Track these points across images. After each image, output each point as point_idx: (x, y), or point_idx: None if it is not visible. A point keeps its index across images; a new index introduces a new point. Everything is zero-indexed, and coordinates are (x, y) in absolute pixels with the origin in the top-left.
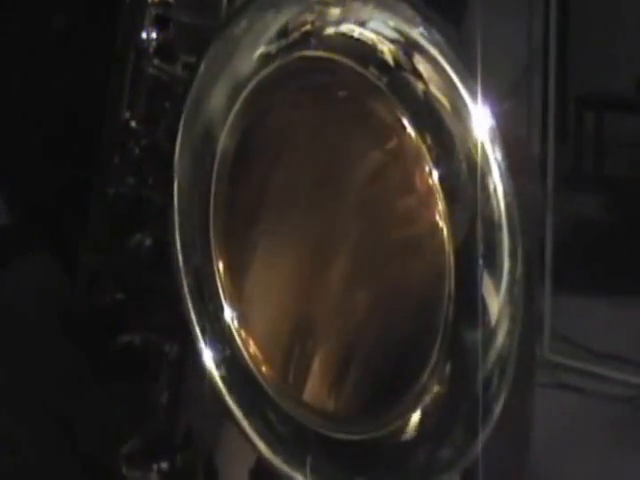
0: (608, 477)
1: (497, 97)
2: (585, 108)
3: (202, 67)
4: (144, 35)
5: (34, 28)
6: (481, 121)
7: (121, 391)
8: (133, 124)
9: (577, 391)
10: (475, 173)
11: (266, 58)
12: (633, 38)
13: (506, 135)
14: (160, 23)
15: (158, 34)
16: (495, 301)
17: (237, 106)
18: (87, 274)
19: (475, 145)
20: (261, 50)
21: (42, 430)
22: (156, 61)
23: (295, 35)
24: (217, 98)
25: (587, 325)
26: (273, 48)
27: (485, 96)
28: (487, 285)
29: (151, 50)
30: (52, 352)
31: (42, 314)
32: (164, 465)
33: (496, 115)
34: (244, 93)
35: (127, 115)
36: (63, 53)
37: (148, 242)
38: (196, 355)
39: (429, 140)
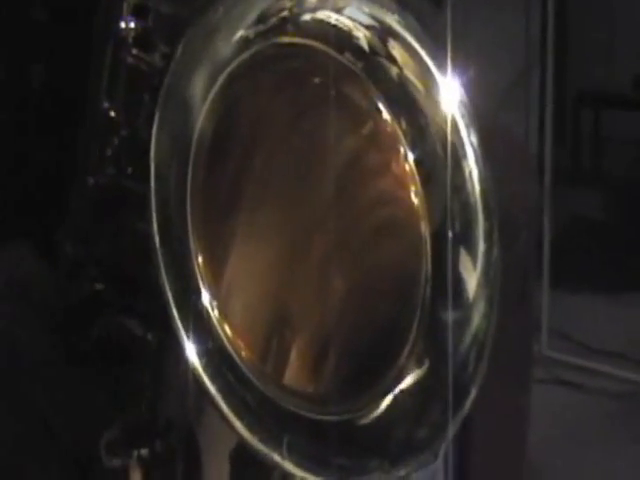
0: (604, 472)
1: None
2: (583, 105)
3: (179, 53)
4: (123, 25)
5: (14, 18)
6: (452, 95)
7: (101, 379)
8: (112, 114)
9: (575, 387)
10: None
11: (244, 42)
12: (631, 36)
13: (479, 110)
14: (139, 13)
15: (137, 24)
16: (471, 282)
17: (214, 91)
18: (67, 263)
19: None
20: (240, 34)
21: (20, 421)
22: (135, 51)
23: (273, 21)
24: (195, 83)
25: (585, 321)
26: (251, 33)
27: (456, 74)
28: (463, 266)
29: (130, 40)
30: (30, 341)
31: (21, 303)
32: (144, 452)
33: (467, 90)
34: (221, 78)
35: (106, 105)
36: (42, 42)
37: (128, 231)
38: (176, 342)
39: (404, 123)
